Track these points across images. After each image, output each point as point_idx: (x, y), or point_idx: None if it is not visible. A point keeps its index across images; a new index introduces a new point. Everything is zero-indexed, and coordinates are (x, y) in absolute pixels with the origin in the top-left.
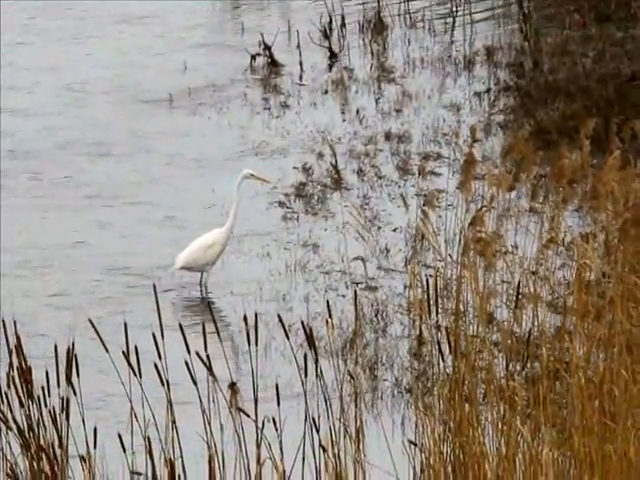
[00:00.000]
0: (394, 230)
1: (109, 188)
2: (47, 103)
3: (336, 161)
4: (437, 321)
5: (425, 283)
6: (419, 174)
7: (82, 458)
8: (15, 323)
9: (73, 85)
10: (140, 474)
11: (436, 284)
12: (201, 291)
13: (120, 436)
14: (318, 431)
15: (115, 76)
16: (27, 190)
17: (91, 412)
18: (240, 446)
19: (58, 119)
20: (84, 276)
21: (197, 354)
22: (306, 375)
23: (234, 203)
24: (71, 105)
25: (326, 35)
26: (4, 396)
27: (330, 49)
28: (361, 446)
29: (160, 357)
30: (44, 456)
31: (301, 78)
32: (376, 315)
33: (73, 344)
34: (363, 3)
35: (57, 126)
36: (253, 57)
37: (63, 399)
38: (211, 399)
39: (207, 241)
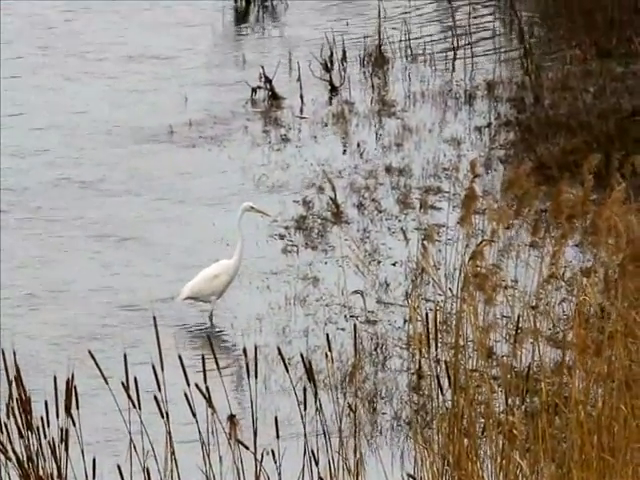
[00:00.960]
0: (394, 264)
1: (109, 224)
2: (48, 141)
3: (335, 195)
4: (436, 355)
5: (425, 317)
6: (419, 208)
7: None
8: (15, 354)
9: (73, 123)
10: None
11: (436, 318)
12: (211, 323)
13: (119, 467)
14: (317, 464)
15: (116, 112)
16: (26, 227)
17: (90, 444)
18: (239, 479)
19: (58, 157)
20: (85, 312)
21: (196, 386)
22: (305, 408)
23: (239, 235)
24: (71, 143)
25: (327, 68)
26: (3, 426)
27: (331, 82)
28: (360, 479)
29: (160, 389)
30: None
31: (302, 111)
32: (376, 349)
33: (73, 375)
34: (364, 37)
35: (57, 164)
36: (254, 90)
37: (62, 430)
38: (210, 431)
39: (213, 272)
